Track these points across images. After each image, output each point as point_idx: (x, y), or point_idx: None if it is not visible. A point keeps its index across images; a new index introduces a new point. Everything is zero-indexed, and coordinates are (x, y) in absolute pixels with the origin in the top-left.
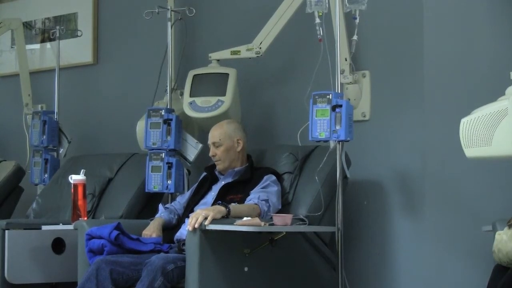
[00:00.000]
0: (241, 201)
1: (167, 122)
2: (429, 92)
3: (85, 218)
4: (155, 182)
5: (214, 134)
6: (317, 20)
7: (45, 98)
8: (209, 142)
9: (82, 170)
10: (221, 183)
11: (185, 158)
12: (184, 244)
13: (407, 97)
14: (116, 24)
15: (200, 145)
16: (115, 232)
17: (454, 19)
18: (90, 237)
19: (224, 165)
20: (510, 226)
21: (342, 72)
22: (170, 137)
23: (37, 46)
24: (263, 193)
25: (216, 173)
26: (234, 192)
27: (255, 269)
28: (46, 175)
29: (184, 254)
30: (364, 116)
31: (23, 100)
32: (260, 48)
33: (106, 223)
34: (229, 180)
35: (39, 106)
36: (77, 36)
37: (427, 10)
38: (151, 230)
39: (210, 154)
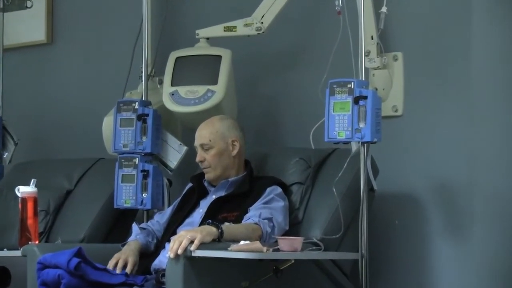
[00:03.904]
0: (238, 220)
1: (142, 118)
2: (478, 80)
3: (37, 242)
4: (126, 196)
5: (203, 134)
6: None
7: None
8: (196, 143)
9: (32, 180)
10: (212, 197)
11: (166, 165)
12: (164, 275)
13: (450, 87)
14: None
15: (185, 148)
16: (76, 260)
17: None
18: (44, 266)
19: (215, 174)
20: None
21: (368, 54)
22: (146, 137)
23: None
24: (266, 209)
25: (205, 184)
26: (229, 208)
27: None
28: None
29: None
30: (396, 111)
31: None
32: (262, 23)
33: (64, 248)
34: (222, 193)
35: None
36: (27, 7)
37: None
38: (126, 255)
39: (198, 159)
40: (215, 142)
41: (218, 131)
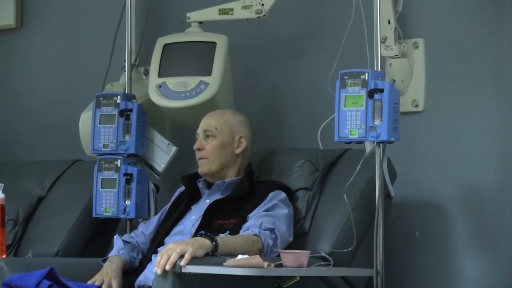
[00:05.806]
0: (235, 228)
1: (124, 114)
2: (511, 70)
3: (4, 256)
4: (107, 203)
5: (210, 121)
6: None
7: None
8: (199, 130)
9: None
10: (205, 201)
11: (152, 168)
12: None
13: (479, 78)
14: None
15: (174, 149)
16: (46, 283)
17: None
18: None
19: (210, 168)
20: None
21: (384, 40)
22: (129, 136)
23: None
24: (267, 218)
25: (199, 185)
26: (225, 214)
27: None
28: None
29: None
30: (416, 106)
31: None
32: (263, 5)
33: (36, 263)
34: (218, 196)
35: None
36: None
37: None
38: (109, 277)
39: (195, 146)
40: (220, 133)
41: (228, 122)
